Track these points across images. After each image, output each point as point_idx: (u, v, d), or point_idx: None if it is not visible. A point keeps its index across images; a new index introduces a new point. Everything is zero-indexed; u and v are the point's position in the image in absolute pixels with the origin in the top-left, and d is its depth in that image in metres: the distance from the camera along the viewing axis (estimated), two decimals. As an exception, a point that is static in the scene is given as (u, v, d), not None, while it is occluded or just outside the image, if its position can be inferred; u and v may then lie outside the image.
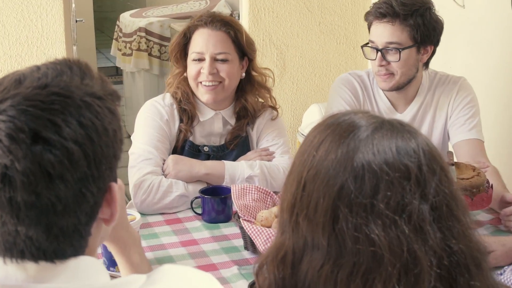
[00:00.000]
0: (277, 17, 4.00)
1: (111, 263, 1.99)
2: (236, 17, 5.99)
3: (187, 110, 2.56)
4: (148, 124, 2.56)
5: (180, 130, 2.57)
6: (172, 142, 2.57)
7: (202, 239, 2.26)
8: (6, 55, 3.57)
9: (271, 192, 2.33)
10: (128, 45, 5.78)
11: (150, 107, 2.60)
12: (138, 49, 5.69)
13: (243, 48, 2.57)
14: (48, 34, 3.63)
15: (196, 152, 2.58)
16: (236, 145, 2.63)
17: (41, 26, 3.61)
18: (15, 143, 0.97)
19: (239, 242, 2.21)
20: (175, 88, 2.59)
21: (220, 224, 2.35)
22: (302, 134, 3.83)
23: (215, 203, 2.36)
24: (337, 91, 2.81)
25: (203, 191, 2.39)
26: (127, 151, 2.44)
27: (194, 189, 2.45)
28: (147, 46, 5.70)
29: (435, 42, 2.64)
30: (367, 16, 2.65)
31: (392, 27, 2.55)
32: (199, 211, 2.38)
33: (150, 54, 5.72)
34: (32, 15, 3.58)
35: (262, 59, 3.94)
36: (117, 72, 7.91)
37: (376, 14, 2.58)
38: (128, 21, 5.86)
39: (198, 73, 2.50)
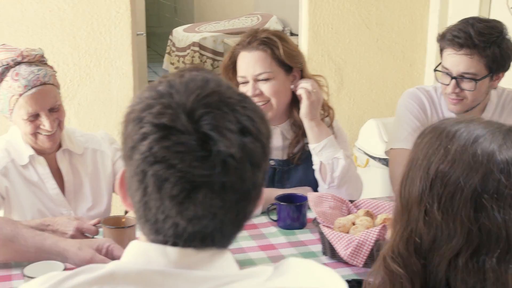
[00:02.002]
0: (336, 33, 4.10)
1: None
2: (288, 34, 6.14)
3: None
4: None
5: None
6: None
7: (279, 244, 2.34)
8: (76, 65, 3.71)
9: (346, 201, 2.41)
10: (182, 59, 5.93)
11: None
12: (192, 63, 5.83)
13: (284, 61, 2.59)
14: (115, 47, 3.77)
15: None
16: (301, 160, 2.69)
17: (110, 38, 3.75)
18: (236, 135, 1.08)
19: (317, 248, 2.30)
20: None
21: (295, 231, 2.43)
22: (359, 149, 3.90)
23: (291, 210, 2.45)
24: (406, 105, 2.87)
25: (278, 198, 2.47)
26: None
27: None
28: (200, 61, 5.84)
29: (507, 68, 2.65)
30: (442, 40, 2.63)
31: (470, 59, 2.54)
32: (274, 217, 2.47)
33: (203, 68, 5.84)
34: (102, 28, 3.73)
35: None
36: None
37: (453, 44, 2.56)
38: (182, 35, 6.01)
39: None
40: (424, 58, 4.32)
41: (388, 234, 1.40)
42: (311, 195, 2.37)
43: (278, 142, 2.69)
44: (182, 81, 1.15)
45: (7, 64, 2.35)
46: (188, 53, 5.85)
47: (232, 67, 2.63)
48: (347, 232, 2.22)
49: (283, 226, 2.46)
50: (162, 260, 1.13)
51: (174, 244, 1.13)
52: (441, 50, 2.68)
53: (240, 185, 1.10)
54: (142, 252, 1.16)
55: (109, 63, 3.78)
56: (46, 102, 2.38)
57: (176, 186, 1.07)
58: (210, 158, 1.06)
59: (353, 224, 2.25)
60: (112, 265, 1.16)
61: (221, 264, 1.16)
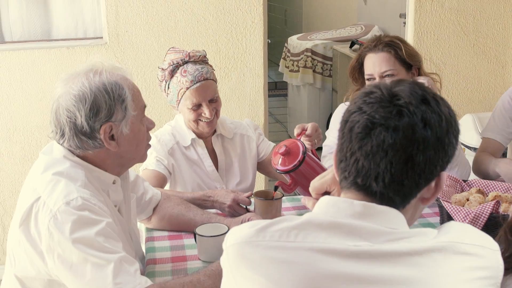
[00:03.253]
0: (437, 39, 4.08)
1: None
2: (388, 41, 6.14)
3: None
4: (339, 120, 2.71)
5: None
6: None
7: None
8: (217, 66, 3.82)
9: (460, 180, 2.42)
10: (296, 63, 6.00)
11: (344, 107, 2.73)
12: (305, 67, 5.90)
13: (405, 60, 2.61)
14: (250, 51, 3.88)
15: None
16: None
17: (245, 44, 3.86)
18: (418, 101, 1.21)
19: (434, 220, 2.33)
20: None
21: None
22: (457, 140, 3.87)
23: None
24: (502, 100, 2.84)
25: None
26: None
27: None
28: (312, 64, 5.90)
29: None
30: None
31: None
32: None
33: (314, 71, 5.92)
34: (239, 35, 3.84)
35: (423, 75, 4.02)
36: (275, 86, 8.22)
37: None
38: (296, 43, 6.08)
39: None
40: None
41: (501, 208, 1.44)
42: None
43: None
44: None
45: (177, 63, 2.49)
46: (302, 58, 5.91)
47: (359, 67, 2.68)
48: (463, 206, 2.23)
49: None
50: (349, 211, 1.22)
51: (355, 183, 1.23)
52: None
53: (410, 132, 1.18)
54: (333, 203, 1.26)
55: (244, 65, 3.88)
56: (207, 94, 2.50)
57: (361, 125, 1.20)
58: (391, 106, 1.19)
59: (467, 200, 2.26)
60: (307, 215, 1.25)
61: (395, 221, 1.22)
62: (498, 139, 2.81)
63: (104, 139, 1.78)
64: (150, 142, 1.97)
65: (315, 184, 1.51)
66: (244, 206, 2.37)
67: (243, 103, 3.93)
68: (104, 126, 1.78)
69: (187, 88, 2.48)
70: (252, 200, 2.36)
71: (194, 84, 2.48)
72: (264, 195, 2.35)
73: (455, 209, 2.15)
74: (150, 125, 1.95)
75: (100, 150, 1.81)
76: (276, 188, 2.27)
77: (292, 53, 6.10)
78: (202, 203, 2.36)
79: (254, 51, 3.88)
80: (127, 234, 1.96)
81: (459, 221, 2.12)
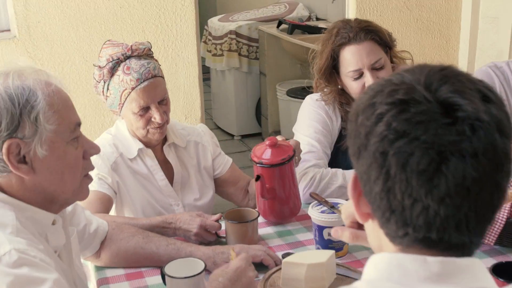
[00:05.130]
0: (380, 15, 3.77)
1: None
2: (314, 19, 5.78)
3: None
4: (311, 117, 2.31)
5: (343, 129, 2.30)
6: (334, 138, 2.31)
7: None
8: (146, 57, 3.36)
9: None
10: (219, 46, 5.55)
11: (314, 101, 2.34)
12: (229, 50, 5.47)
13: (388, 44, 2.25)
14: (182, 38, 3.42)
15: None
16: None
17: (176, 30, 3.40)
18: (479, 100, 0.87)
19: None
20: (333, 101, 2.31)
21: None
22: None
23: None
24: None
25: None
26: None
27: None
28: (237, 47, 5.48)
29: None
30: None
31: None
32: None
33: (240, 54, 5.50)
34: (168, 20, 3.38)
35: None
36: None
37: None
38: (218, 25, 5.63)
39: (363, 88, 2.18)
40: (459, 35, 3.98)
41: None
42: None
43: None
44: (409, 68, 0.93)
45: (118, 59, 2.02)
46: (225, 41, 5.47)
47: (332, 65, 2.24)
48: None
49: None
50: (422, 273, 0.86)
51: (426, 238, 0.87)
52: None
53: (492, 153, 0.84)
54: (397, 264, 0.88)
55: (176, 54, 3.42)
56: (156, 95, 2.04)
57: (423, 159, 0.83)
58: (457, 123, 0.83)
59: None
60: (363, 283, 0.89)
61: (481, 276, 0.88)
62: None
63: (8, 161, 1.31)
64: None
65: (351, 209, 1.13)
66: (214, 232, 1.94)
67: (177, 96, 3.48)
68: (8, 143, 1.30)
69: (133, 88, 2.01)
70: (222, 223, 1.94)
71: (141, 83, 2.01)
72: (236, 217, 1.93)
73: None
74: (92, 149, 1.47)
75: (10, 177, 1.34)
76: (258, 178, 1.94)
77: (214, 36, 5.65)
78: (162, 231, 1.91)
79: (186, 37, 3.43)
80: (71, 284, 1.49)
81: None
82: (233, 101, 5.60)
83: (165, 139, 2.19)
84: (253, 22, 5.52)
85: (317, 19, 5.70)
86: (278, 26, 5.27)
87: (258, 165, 1.96)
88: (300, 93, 5.03)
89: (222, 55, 5.53)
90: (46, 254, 1.32)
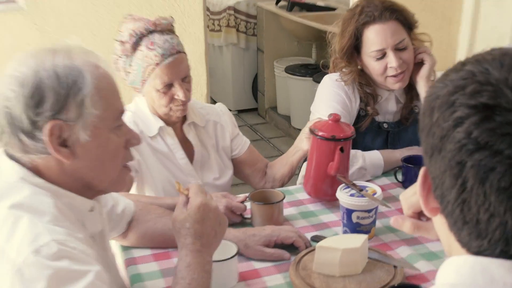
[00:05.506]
0: (386, -5, 3.71)
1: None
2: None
3: (370, 93, 2.27)
4: (331, 97, 2.28)
5: (362, 110, 2.28)
6: (352, 119, 2.29)
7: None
8: (153, 32, 3.30)
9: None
10: (217, 22, 5.49)
11: (333, 81, 2.30)
12: (227, 26, 5.40)
13: (411, 25, 2.23)
14: (189, 13, 3.36)
15: (377, 128, 2.31)
16: (411, 121, 2.33)
17: (183, 5, 3.34)
18: None
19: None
20: (352, 81, 2.28)
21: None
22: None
23: (417, 171, 2.11)
24: None
25: (404, 160, 2.13)
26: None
27: (371, 162, 2.19)
28: (235, 23, 5.41)
29: None
30: None
31: None
32: (400, 178, 2.15)
33: (238, 30, 5.44)
34: (176, -5, 3.31)
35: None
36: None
37: None
38: (216, 0, 5.55)
39: (385, 68, 2.17)
40: (460, 17, 3.95)
41: None
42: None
43: (393, 107, 2.32)
44: (494, 57, 0.82)
45: (141, 34, 1.96)
46: (224, 16, 5.40)
47: (355, 44, 2.20)
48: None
49: (409, 186, 2.12)
50: (509, 279, 0.80)
51: (503, 252, 0.80)
52: None
53: None
54: (481, 269, 0.82)
55: (183, 29, 3.36)
56: (181, 71, 2.00)
57: (505, 176, 0.75)
58: None
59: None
60: None
61: None
62: None
63: (50, 142, 1.23)
64: None
65: (413, 199, 1.10)
66: (240, 214, 1.91)
67: (183, 72, 3.41)
68: (51, 124, 1.22)
69: (157, 64, 1.96)
70: (247, 204, 1.91)
71: (165, 58, 1.96)
72: (262, 198, 1.91)
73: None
74: (133, 139, 1.40)
75: (49, 159, 1.27)
76: (342, 149, 1.92)
77: (212, 12, 5.57)
78: None
79: (193, 13, 3.37)
80: (106, 269, 1.45)
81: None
82: (230, 76, 5.55)
83: (184, 118, 2.15)
84: (252, -2, 5.46)
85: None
86: (276, 3, 5.22)
87: (340, 140, 1.91)
88: (299, 70, 5.00)
89: (220, 30, 5.47)
90: (85, 243, 1.27)
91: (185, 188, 1.47)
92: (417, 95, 2.30)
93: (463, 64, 0.86)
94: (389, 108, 2.32)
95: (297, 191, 2.12)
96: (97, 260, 1.27)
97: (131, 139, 1.39)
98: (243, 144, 2.28)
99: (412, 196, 1.08)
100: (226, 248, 1.62)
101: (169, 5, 3.31)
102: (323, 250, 1.59)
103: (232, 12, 5.40)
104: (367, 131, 2.29)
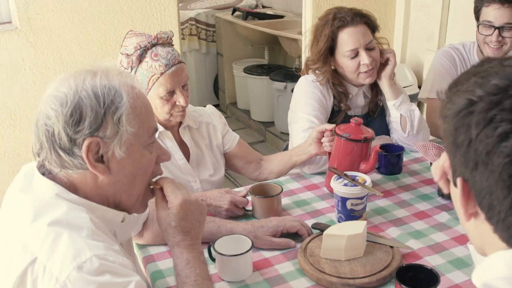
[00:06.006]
0: (332, 4, 3.59)
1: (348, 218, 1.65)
2: (260, 7, 5.55)
3: (342, 91, 2.15)
4: (308, 96, 2.14)
5: (335, 106, 2.16)
6: (328, 114, 2.16)
7: (394, 189, 1.91)
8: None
9: (441, 146, 1.99)
10: (181, 31, 5.25)
11: (309, 82, 2.16)
12: (190, 34, 5.19)
13: (375, 29, 2.12)
14: (165, 25, 3.15)
15: (348, 121, 2.19)
16: (377, 114, 2.23)
17: (160, 19, 3.13)
18: None
19: (429, 190, 1.89)
20: (326, 80, 2.14)
21: (400, 176, 2.00)
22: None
23: (392, 158, 2.01)
24: (440, 62, 2.46)
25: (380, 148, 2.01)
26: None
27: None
28: (197, 32, 5.20)
29: None
30: (482, 0, 2.26)
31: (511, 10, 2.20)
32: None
33: (199, 38, 5.22)
34: (154, 10, 3.10)
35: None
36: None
37: (498, 0, 2.20)
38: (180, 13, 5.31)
39: (358, 66, 2.06)
40: (394, 20, 3.87)
41: None
42: (417, 145, 1.93)
43: (361, 101, 2.21)
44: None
45: (145, 46, 1.77)
46: (186, 26, 5.21)
47: (330, 46, 2.08)
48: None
49: (385, 172, 2.02)
50: None
51: None
52: (479, 9, 2.29)
53: None
54: None
55: (161, 40, 3.15)
56: (181, 79, 1.83)
57: None
58: None
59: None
60: (501, 282, 0.74)
61: None
62: None
63: (87, 158, 1.07)
64: None
65: (442, 168, 0.97)
66: (243, 207, 1.76)
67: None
68: (89, 141, 1.07)
69: (162, 74, 1.78)
70: (248, 197, 1.76)
71: (169, 68, 1.79)
72: (261, 191, 1.76)
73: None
74: (164, 155, 1.22)
75: (85, 174, 1.11)
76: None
77: (175, 23, 5.33)
78: None
79: (170, 25, 3.16)
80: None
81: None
82: (193, 77, 5.34)
83: (180, 122, 1.97)
84: (210, 10, 5.25)
85: (263, 7, 5.49)
86: (233, 13, 5.04)
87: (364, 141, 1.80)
88: (255, 70, 4.84)
89: (183, 38, 5.24)
90: (121, 254, 1.10)
91: (155, 182, 1.26)
92: (380, 91, 2.20)
93: (484, 77, 0.77)
94: (358, 103, 2.20)
95: (287, 182, 1.98)
96: (134, 269, 1.11)
97: (162, 155, 1.22)
98: (233, 139, 2.12)
99: (440, 167, 0.95)
100: (240, 242, 1.47)
101: (148, 19, 3.10)
102: (330, 238, 1.46)
103: (193, 22, 5.18)
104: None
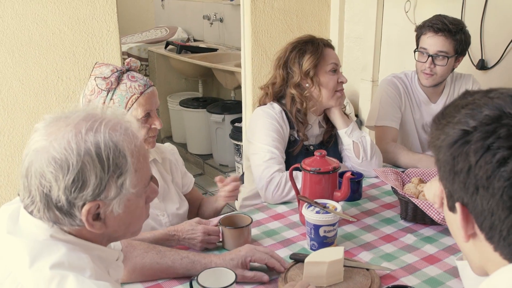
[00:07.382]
0: (270, 37, 3.69)
1: (320, 246, 1.68)
2: (192, 41, 5.58)
3: (301, 121, 2.21)
4: (267, 127, 2.18)
5: (291, 136, 2.21)
6: (285, 144, 2.21)
7: (359, 215, 1.97)
8: (76, 78, 3.01)
9: (399, 171, 2.08)
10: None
11: (266, 113, 2.21)
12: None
13: None
14: (108, 59, 3.10)
15: (305, 151, 2.25)
16: (330, 143, 2.31)
17: (103, 53, 3.08)
18: None
19: (391, 214, 1.96)
20: (292, 104, 2.20)
21: (361, 201, 2.07)
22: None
23: (352, 184, 2.07)
24: (386, 92, 2.59)
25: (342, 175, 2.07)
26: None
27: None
28: (129, 66, 5.15)
29: (465, 54, 2.47)
30: (421, 28, 2.42)
31: (445, 40, 2.36)
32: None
33: (132, 72, 5.18)
34: (96, 44, 3.04)
35: (260, 70, 3.66)
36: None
37: (433, 29, 2.36)
38: (109, 47, 5.24)
39: (337, 82, 2.19)
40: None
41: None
42: (377, 171, 2.00)
43: (317, 130, 2.28)
44: (503, 97, 0.83)
45: (121, 70, 1.77)
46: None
47: (317, 63, 2.17)
48: (417, 197, 1.90)
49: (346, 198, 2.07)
50: None
51: None
52: (419, 37, 2.46)
53: None
54: None
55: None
56: (156, 102, 1.84)
57: None
58: None
59: (420, 192, 1.92)
60: None
61: None
62: (394, 125, 2.53)
63: (86, 220, 1.04)
64: None
65: (436, 191, 1.03)
66: (215, 236, 1.74)
67: (106, 112, 3.14)
68: (89, 205, 1.03)
69: (141, 93, 1.76)
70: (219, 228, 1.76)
71: (148, 88, 1.78)
72: (231, 222, 1.77)
73: (426, 204, 1.79)
74: (152, 194, 1.19)
75: (81, 229, 1.07)
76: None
77: (106, 57, 5.25)
78: (166, 243, 1.68)
79: (112, 59, 3.11)
80: None
81: (434, 215, 1.77)
82: (127, 112, 5.26)
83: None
84: (142, 44, 5.23)
85: (195, 40, 5.53)
86: (166, 47, 5.03)
87: (331, 172, 1.84)
88: (191, 103, 4.84)
89: (115, 73, 5.17)
90: None
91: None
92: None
93: (473, 108, 0.84)
94: (314, 132, 2.27)
95: (252, 213, 1.99)
96: None
97: (150, 194, 1.18)
98: (189, 183, 2.11)
99: (438, 196, 1.00)
100: (223, 275, 1.46)
101: (90, 53, 3.03)
102: (311, 265, 1.48)
103: (126, 56, 5.12)
104: (298, 154, 2.22)
